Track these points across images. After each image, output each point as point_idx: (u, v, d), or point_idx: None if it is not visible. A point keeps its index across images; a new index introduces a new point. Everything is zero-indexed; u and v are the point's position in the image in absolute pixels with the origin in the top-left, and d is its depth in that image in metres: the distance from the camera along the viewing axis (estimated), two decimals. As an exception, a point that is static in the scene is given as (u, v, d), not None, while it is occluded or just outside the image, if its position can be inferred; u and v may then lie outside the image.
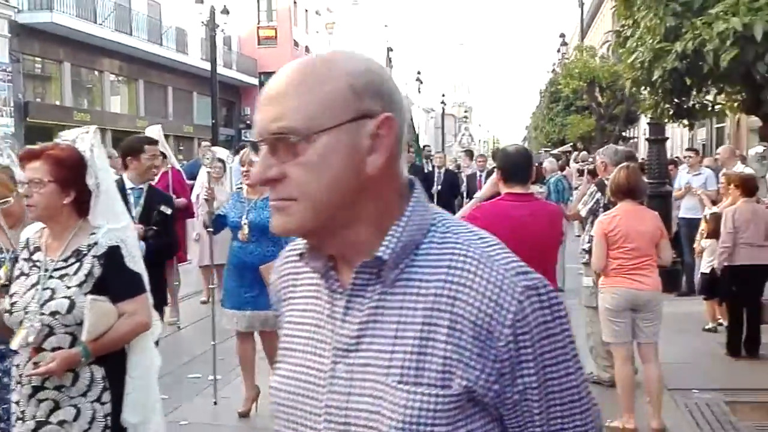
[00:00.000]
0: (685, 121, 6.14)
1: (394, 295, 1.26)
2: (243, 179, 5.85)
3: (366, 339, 1.27)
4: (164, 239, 5.57)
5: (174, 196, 8.04)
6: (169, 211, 6.04)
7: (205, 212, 6.11)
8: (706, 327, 8.51)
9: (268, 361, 5.85)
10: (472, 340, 1.21)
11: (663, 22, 4.93)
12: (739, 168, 10.00)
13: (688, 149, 12.23)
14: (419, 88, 57.39)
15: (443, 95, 74.68)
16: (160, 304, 4.90)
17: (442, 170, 13.89)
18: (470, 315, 1.22)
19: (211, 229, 6.10)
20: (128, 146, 5.75)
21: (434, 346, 1.22)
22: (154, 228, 5.46)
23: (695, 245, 8.73)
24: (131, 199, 5.41)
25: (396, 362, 1.23)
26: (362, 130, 1.23)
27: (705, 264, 8.29)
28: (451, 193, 13.61)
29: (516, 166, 4.31)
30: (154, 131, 8.64)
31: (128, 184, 5.51)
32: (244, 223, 5.65)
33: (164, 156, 8.77)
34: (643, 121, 16.90)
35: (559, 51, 36.78)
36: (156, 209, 5.51)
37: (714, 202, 10.00)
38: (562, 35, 37.40)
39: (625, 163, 5.74)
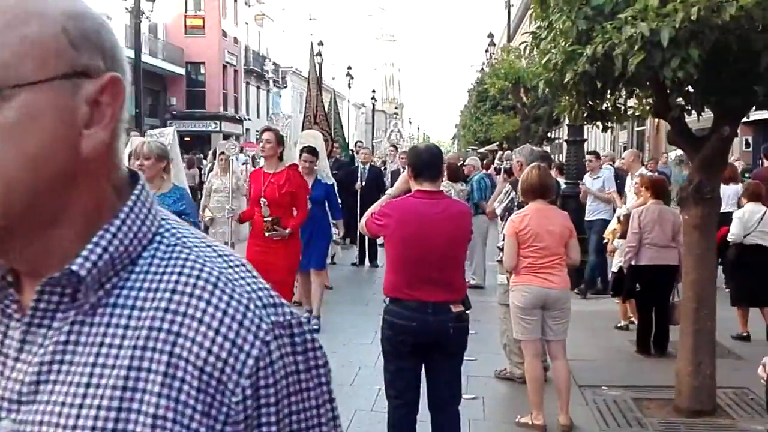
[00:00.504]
0: (600, 124, 6.22)
1: (94, 327, 0.92)
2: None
3: (47, 386, 0.91)
4: None
5: None
6: None
7: None
8: (618, 325, 8.72)
9: None
10: (197, 394, 0.88)
11: (575, 25, 4.99)
12: (642, 172, 10.34)
13: (589, 152, 12.50)
14: (350, 83, 57.29)
15: (374, 91, 74.94)
16: None
17: (367, 166, 13.85)
18: (196, 358, 0.89)
19: None
20: None
21: (142, 400, 0.88)
22: None
23: (608, 245, 8.92)
24: None
25: (86, 421, 0.88)
26: (79, 92, 0.90)
27: (615, 263, 8.50)
28: (376, 189, 13.61)
29: (425, 164, 4.32)
30: None
31: None
32: None
33: None
34: (565, 123, 17.23)
35: (487, 51, 37.17)
36: None
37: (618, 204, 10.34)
38: (491, 35, 37.85)
39: (535, 163, 5.82)
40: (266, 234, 6.84)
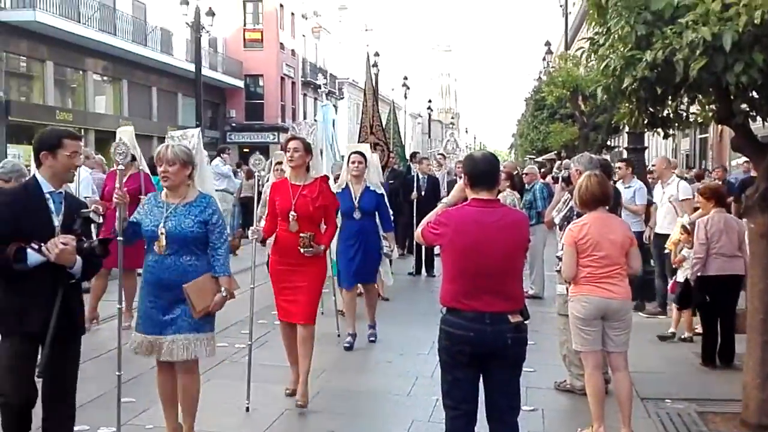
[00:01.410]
0: (660, 131, 6.10)
1: None
2: (162, 181, 5.08)
3: None
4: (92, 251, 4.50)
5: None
6: (99, 219, 5.51)
7: (117, 217, 5.10)
8: (665, 334, 8.55)
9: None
10: None
11: (634, 30, 4.91)
12: (674, 180, 9.90)
13: (620, 160, 11.82)
14: (406, 94, 57.31)
15: (430, 101, 74.90)
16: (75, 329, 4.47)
17: (426, 176, 13.88)
18: None
19: (121, 239, 5.06)
20: (43, 140, 4.53)
21: None
22: (89, 239, 4.56)
23: (672, 256, 8.71)
24: (51, 204, 4.38)
25: None
26: None
27: (681, 274, 8.31)
28: (434, 198, 13.61)
29: (482, 173, 4.28)
30: (127, 132, 8.57)
31: (46, 187, 4.42)
32: (162, 233, 4.90)
33: (134, 159, 8.67)
34: (625, 131, 16.98)
35: (544, 59, 36.84)
36: (81, 216, 4.48)
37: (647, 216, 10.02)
38: (548, 43, 37.47)
39: (589, 172, 5.73)
40: (302, 251, 6.22)
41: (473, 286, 4.17)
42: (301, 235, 6.23)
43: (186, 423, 5.18)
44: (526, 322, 4.29)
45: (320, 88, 28.00)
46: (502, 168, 7.11)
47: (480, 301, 4.15)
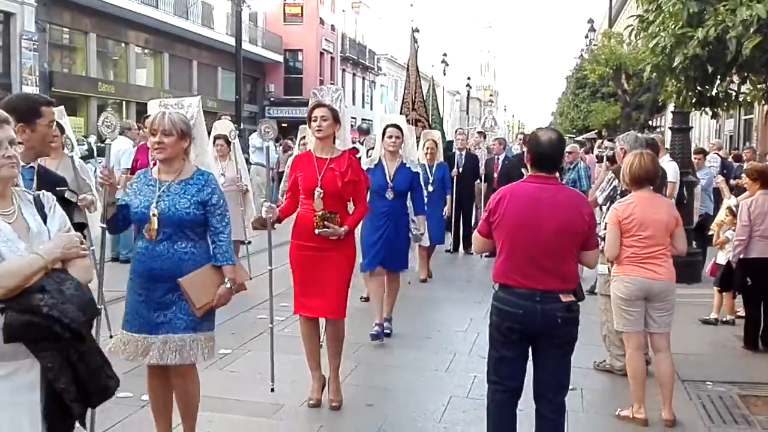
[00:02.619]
0: (708, 110, 6.00)
1: None
2: (156, 153, 4.34)
3: None
4: None
5: None
6: (74, 198, 4.97)
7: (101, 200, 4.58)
8: (724, 319, 8.40)
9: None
10: None
11: (686, 8, 4.82)
12: (665, 161, 9.68)
13: (696, 150, 11.65)
14: (445, 70, 56.99)
15: (469, 78, 74.40)
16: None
17: (464, 153, 13.74)
18: None
19: (103, 226, 4.53)
20: (18, 109, 3.88)
21: None
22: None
23: (715, 237, 8.60)
24: (20, 181, 3.43)
25: None
26: None
27: (722, 255, 8.20)
28: (472, 176, 13.52)
29: (543, 155, 4.22)
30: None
31: None
32: (153, 214, 4.22)
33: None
34: (670, 110, 16.74)
35: (587, 37, 36.37)
36: (57, 195, 3.43)
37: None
38: (591, 21, 36.97)
39: (638, 150, 5.65)
40: (317, 231, 5.43)
41: (524, 263, 4.14)
42: (317, 213, 5.46)
43: (186, 424, 4.56)
44: (579, 302, 4.24)
45: (373, 70, 27.83)
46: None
47: (531, 278, 4.11)
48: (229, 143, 9.61)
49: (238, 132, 10.90)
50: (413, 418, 5.54)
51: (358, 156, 5.68)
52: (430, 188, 10.46)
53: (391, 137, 7.54)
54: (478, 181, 13.60)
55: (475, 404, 5.55)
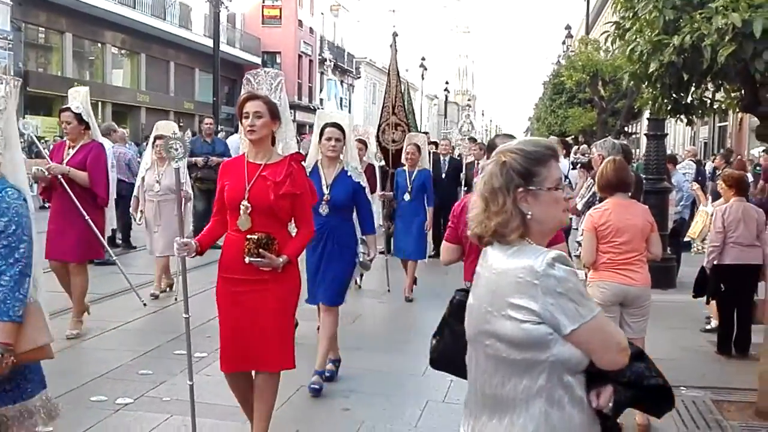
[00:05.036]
0: (683, 117, 6.05)
1: None
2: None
3: None
4: None
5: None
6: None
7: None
8: (708, 328, 8.43)
9: None
10: None
11: (662, 15, 4.86)
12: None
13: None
14: (423, 75, 57.15)
15: (447, 83, 74.64)
16: None
17: (447, 158, 13.83)
18: None
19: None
20: None
21: None
22: None
23: (693, 245, 8.67)
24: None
25: None
26: None
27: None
28: (455, 181, 13.55)
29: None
30: (80, 94, 7.68)
31: None
32: None
33: (88, 127, 7.51)
34: (645, 117, 16.88)
35: (564, 43, 36.61)
36: None
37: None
38: (568, 27, 37.21)
39: (611, 157, 5.69)
40: (247, 260, 4.30)
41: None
42: (248, 236, 4.31)
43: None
44: None
45: (325, 62, 27.92)
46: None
47: None
48: None
49: (192, 134, 10.56)
50: (390, 422, 5.53)
51: (304, 163, 4.77)
52: (407, 197, 9.90)
53: (330, 139, 6.12)
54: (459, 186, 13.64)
55: (451, 409, 5.55)
